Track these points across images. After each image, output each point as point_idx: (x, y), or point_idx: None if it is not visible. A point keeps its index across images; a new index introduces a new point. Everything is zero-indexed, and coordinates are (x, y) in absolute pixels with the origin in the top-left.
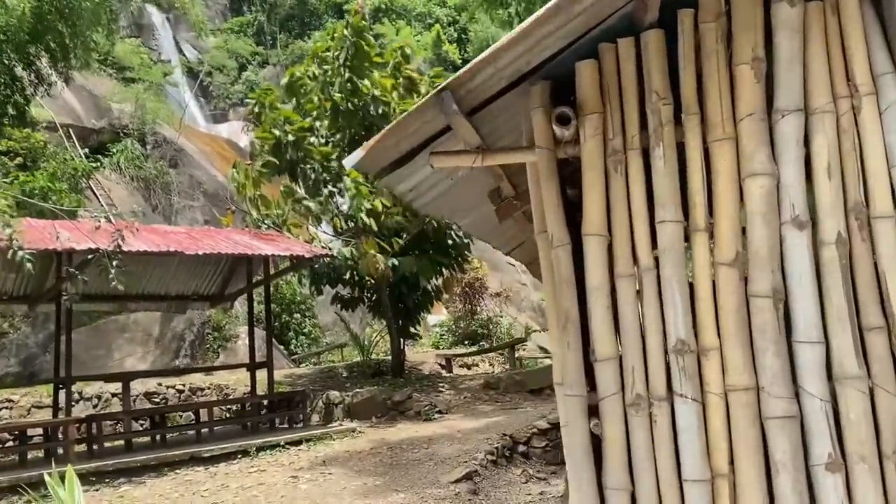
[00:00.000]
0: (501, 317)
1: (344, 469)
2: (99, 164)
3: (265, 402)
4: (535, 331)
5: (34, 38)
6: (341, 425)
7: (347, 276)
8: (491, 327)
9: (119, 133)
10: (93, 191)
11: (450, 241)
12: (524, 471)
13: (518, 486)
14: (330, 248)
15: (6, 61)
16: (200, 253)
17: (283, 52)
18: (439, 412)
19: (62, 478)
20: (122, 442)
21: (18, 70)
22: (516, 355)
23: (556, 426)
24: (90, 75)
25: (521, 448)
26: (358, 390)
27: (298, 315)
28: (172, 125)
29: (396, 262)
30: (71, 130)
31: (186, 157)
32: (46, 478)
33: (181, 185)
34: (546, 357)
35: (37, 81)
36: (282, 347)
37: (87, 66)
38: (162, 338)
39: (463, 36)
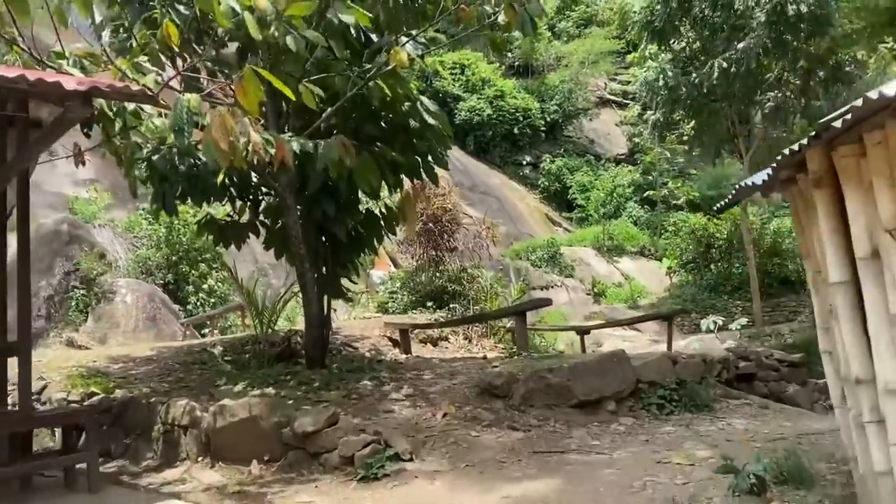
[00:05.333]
0: (479, 268)
1: None
2: None
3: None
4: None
5: None
6: (183, 482)
7: (222, 176)
8: (465, 283)
9: None
10: None
11: (414, 124)
12: None
13: None
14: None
15: None
16: None
17: None
18: (395, 458)
19: None
20: None
21: None
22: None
23: None
24: None
25: None
26: (227, 403)
27: (204, 265)
28: None
29: (310, 148)
30: None
31: None
32: None
33: None
34: (557, 329)
35: None
36: (177, 307)
37: None
38: None
39: None
